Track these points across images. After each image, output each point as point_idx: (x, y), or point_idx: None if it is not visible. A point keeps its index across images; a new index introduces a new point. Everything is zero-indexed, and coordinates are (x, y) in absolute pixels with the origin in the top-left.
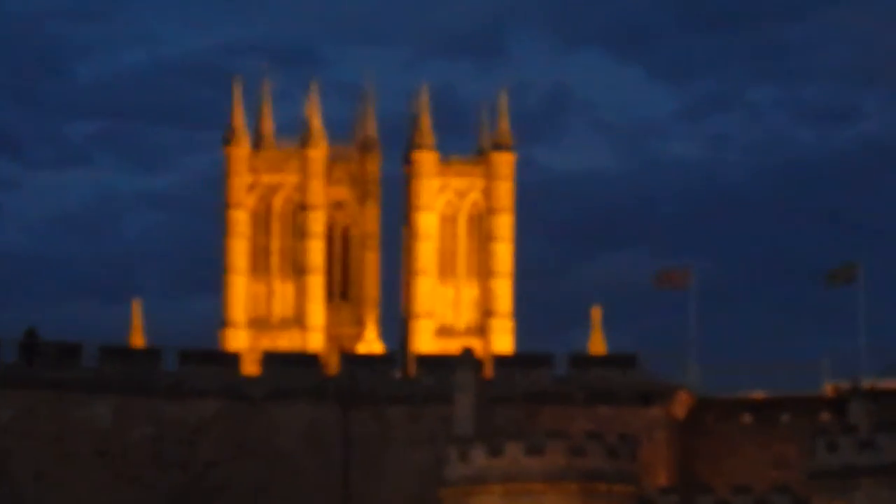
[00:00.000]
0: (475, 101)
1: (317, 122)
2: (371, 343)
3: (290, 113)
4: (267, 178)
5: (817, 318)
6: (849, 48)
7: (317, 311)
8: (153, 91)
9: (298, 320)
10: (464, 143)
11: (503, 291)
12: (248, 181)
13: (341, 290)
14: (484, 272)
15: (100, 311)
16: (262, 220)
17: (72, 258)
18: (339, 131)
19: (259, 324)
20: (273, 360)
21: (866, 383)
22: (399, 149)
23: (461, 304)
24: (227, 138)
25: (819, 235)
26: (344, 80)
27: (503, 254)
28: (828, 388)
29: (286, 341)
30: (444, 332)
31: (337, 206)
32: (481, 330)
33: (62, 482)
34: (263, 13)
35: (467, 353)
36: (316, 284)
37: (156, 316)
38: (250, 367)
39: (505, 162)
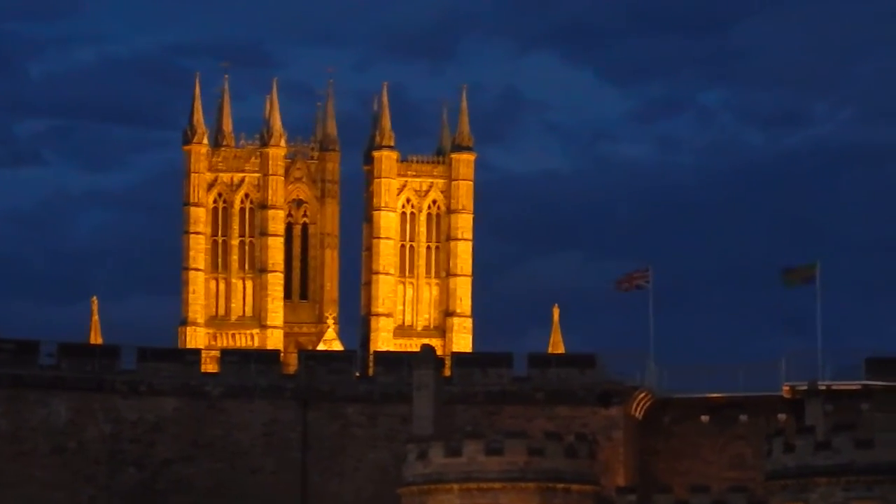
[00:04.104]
0: (427, 102)
1: (277, 121)
2: (330, 342)
3: (243, 113)
4: (226, 176)
5: (774, 319)
6: (797, 53)
7: (276, 310)
8: (104, 90)
9: (257, 318)
10: (418, 143)
11: (463, 291)
12: (207, 179)
13: (300, 288)
14: (443, 271)
15: (55, 309)
16: (221, 218)
17: (25, 257)
18: (294, 131)
19: (218, 322)
20: (231, 358)
21: (823, 384)
22: (356, 148)
23: (420, 304)
24: (187, 136)
25: (770, 237)
26: (295, 80)
27: (463, 253)
28: (785, 390)
29: (245, 339)
30: (404, 331)
31: (296, 204)
32: (441, 329)
33: (19, 480)
34: (214, 14)
35: (427, 351)
36: (275, 283)
37: (113, 314)
38: (209, 366)
39: (465, 162)
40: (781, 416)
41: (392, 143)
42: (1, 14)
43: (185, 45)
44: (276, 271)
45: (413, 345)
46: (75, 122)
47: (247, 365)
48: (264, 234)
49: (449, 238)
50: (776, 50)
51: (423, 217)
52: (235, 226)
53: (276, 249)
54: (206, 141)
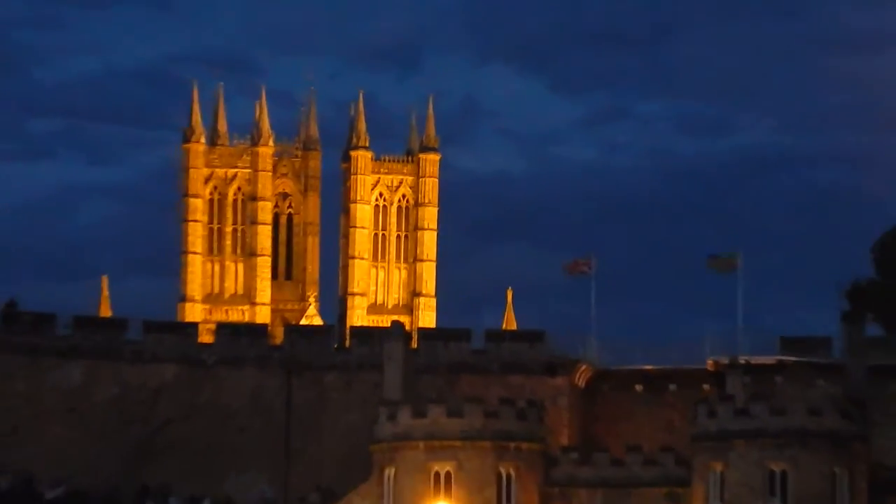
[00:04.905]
0: (397, 108)
1: (265, 123)
2: (311, 317)
3: (235, 116)
4: (221, 172)
5: (700, 303)
6: (724, 68)
7: (264, 289)
8: (106, 94)
9: (248, 296)
10: (389, 144)
11: (428, 274)
12: (204, 174)
13: (286, 270)
14: (411, 257)
15: (70, 286)
16: (216, 208)
17: (42, 240)
18: (281, 132)
19: (213, 299)
20: (225, 330)
21: (742, 359)
22: (335, 148)
23: (391, 285)
24: (187, 136)
25: (699, 231)
26: (281, 88)
27: (429, 241)
28: (709, 363)
29: (237, 314)
30: (376, 308)
31: (282, 196)
32: (408, 307)
33: (37, 436)
34: (208, 28)
35: (396, 327)
36: (263, 265)
37: (121, 291)
38: (205, 337)
39: (431, 161)
40: (705, 387)
41: (367, 144)
42: (11, 25)
43: (182, 55)
44: (264, 255)
45: (384, 321)
46: (83, 123)
47: (238, 337)
48: (254, 222)
49: (416, 228)
50: (706, 65)
51: (393, 209)
52: (229, 215)
53: (264, 236)
54: (203, 140)
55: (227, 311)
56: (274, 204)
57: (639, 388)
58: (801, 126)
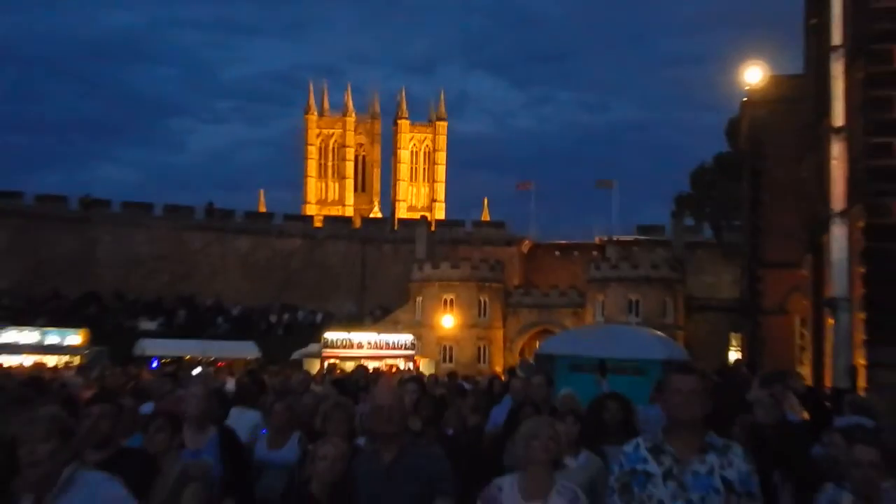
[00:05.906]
0: (422, 95)
1: (350, 104)
2: (376, 213)
3: (333, 99)
4: (326, 131)
5: (593, 206)
6: (607, 73)
7: (349, 197)
8: (258, 86)
9: (341, 201)
10: (419, 115)
11: (440, 190)
12: (315, 132)
13: (361, 186)
14: (431, 180)
15: (239, 196)
16: (323, 152)
17: (219, 171)
18: (359, 109)
19: (321, 202)
20: (328, 220)
21: (615, 238)
22: (389, 118)
23: (420, 195)
24: (305, 111)
25: (591, 167)
26: (356, 83)
27: (440, 171)
28: (596, 240)
29: (335, 211)
30: (411, 208)
31: (360, 146)
32: (430, 208)
33: (224, 279)
34: (315, 47)
35: (423, 219)
36: (349, 184)
37: (270, 198)
38: (317, 223)
39: (442, 126)
40: (594, 253)
41: (406, 116)
42: (207, 47)
43: (302, 64)
44: (349, 178)
45: (416, 216)
46: (245, 103)
47: (335, 223)
48: (343, 160)
49: (434, 164)
50: (597, 71)
51: (421, 153)
52: (330, 155)
53: (349, 168)
54: (315, 113)
55: (329, 209)
56: (355, 150)
57: (557, 253)
58: (646, 108)
